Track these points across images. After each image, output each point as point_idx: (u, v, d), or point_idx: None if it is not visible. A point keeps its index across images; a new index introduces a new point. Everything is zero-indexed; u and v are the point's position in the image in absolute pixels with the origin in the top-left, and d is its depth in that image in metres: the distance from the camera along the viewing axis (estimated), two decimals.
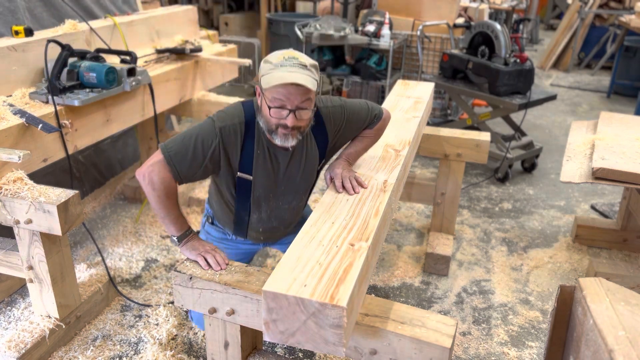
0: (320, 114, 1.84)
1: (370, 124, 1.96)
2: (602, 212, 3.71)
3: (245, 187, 1.83)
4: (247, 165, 1.78)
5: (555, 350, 1.59)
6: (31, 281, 2.20)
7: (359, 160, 1.97)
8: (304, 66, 1.62)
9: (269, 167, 1.82)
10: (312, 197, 3.75)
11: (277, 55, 1.66)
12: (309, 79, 1.60)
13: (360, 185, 1.79)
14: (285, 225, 2.07)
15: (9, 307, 2.54)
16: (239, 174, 1.80)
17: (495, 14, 6.10)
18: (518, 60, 3.92)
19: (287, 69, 1.60)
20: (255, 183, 1.83)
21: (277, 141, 1.70)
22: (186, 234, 1.79)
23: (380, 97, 5.27)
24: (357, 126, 1.95)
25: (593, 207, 3.78)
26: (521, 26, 7.19)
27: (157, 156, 1.71)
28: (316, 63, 1.68)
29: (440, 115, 5.12)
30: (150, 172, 1.69)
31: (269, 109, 1.64)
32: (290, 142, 1.70)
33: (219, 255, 1.73)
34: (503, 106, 3.95)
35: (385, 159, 1.99)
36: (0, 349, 2.10)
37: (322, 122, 1.85)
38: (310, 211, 2.07)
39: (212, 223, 2.14)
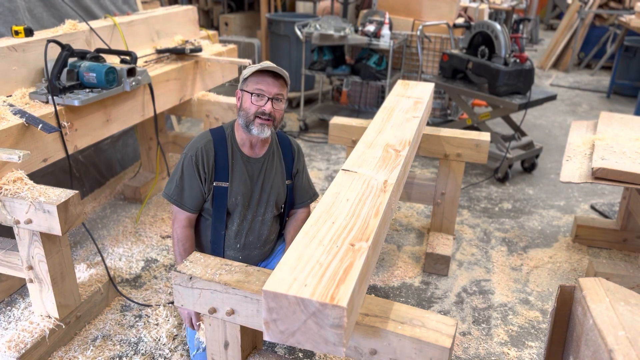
0: (289, 139, 2.19)
1: (310, 198, 2.25)
2: (602, 212, 3.71)
3: (222, 195, 2.01)
4: (223, 175, 2.01)
5: (555, 350, 1.59)
6: (31, 281, 2.20)
7: (360, 161, 1.97)
8: (278, 67, 1.94)
9: (245, 174, 2.02)
10: None
11: (254, 64, 2.00)
12: (284, 72, 1.95)
13: None
14: (261, 242, 2.13)
15: (9, 307, 2.54)
16: (215, 183, 2.01)
17: (495, 14, 6.10)
18: (518, 60, 3.92)
19: (265, 66, 1.92)
20: (232, 189, 2.01)
21: (254, 131, 1.95)
22: None
23: (380, 97, 5.27)
24: (305, 182, 2.23)
25: (593, 207, 3.78)
26: (521, 26, 7.19)
27: (172, 214, 2.07)
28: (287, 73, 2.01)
29: (440, 115, 5.12)
30: (174, 228, 2.05)
31: (251, 97, 1.93)
32: (266, 132, 1.96)
33: (195, 318, 2.00)
34: (503, 106, 3.96)
35: (385, 159, 1.99)
36: (0, 349, 2.10)
37: (289, 144, 2.18)
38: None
39: None
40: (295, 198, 2.22)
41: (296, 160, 2.19)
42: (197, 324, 1.98)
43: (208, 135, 2.03)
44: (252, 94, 1.94)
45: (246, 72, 1.96)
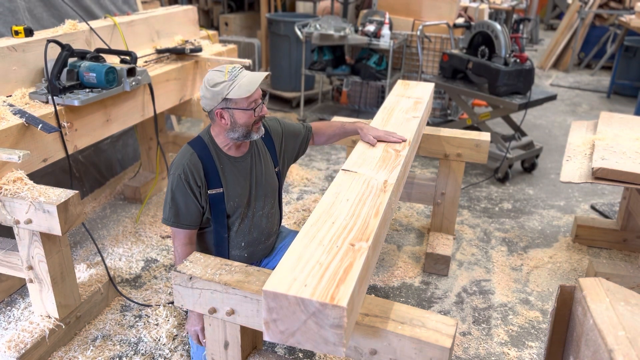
0: (265, 125, 2.15)
1: (308, 132, 2.30)
2: (602, 212, 3.71)
3: (219, 201, 2.00)
4: (215, 182, 1.98)
5: (555, 350, 1.59)
6: (31, 281, 2.20)
7: (360, 161, 1.97)
8: (247, 68, 1.92)
9: (236, 175, 2.02)
10: (312, 196, 3.74)
11: (222, 73, 1.88)
12: (257, 74, 1.91)
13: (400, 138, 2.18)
14: (265, 235, 2.15)
15: (9, 307, 2.54)
16: (209, 191, 1.98)
17: (495, 14, 6.10)
18: (518, 60, 3.92)
19: (245, 76, 1.88)
20: (228, 193, 2.00)
21: (255, 136, 1.97)
22: None
23: (380, 97, 5.27)
24: (295, 133, 2.25)
25: (593, 207, 3.78)
26: (521, 26, 7.18)
27: (171, 233, 2.03)
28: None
29: (440, 115, 5.12)
30: (175, 246, 2.02)
31: (253, 112, 1.90)
32: (262, 131, 2.00)
33: (202, 335, 1.98)
34: (503, 106, 3.95)
35: (385, 159, 1.99)
36: (0, 349, 2.10)
37: (267, 130, 2.14)
38: (293, 233, 2.29)
39: None
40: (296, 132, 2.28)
41: (277, 138, 2.18)
42: (204, 340, 1.95)
43: (189, 149, 1.97)
44: (252, 109, 1.89)
45: (227, 93, 1.85)
